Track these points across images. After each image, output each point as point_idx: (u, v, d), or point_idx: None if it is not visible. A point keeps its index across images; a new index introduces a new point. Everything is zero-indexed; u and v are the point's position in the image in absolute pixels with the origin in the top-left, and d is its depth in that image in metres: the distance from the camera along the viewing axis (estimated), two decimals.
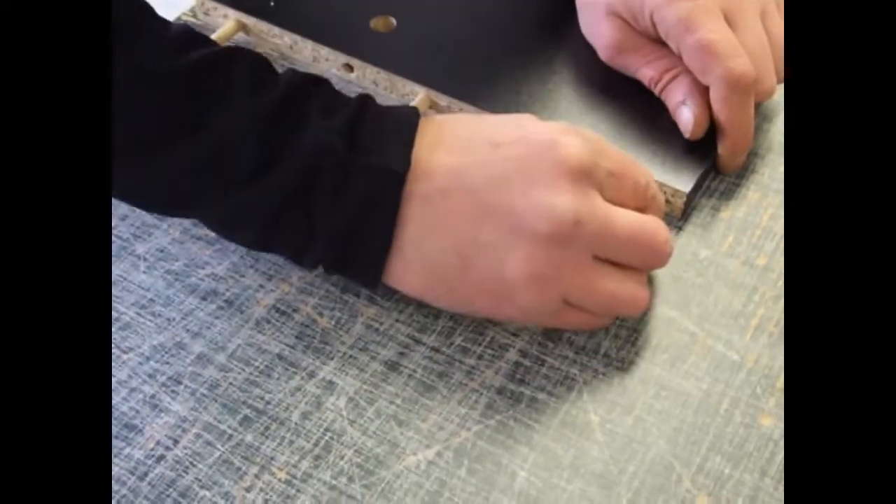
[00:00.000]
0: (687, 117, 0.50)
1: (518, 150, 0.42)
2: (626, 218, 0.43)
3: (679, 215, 0.50)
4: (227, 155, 0.42)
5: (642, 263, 0.44)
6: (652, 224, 0.43)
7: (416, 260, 0.43)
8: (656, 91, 0.52)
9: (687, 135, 0.51)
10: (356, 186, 0.42)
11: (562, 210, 0.41)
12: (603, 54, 0.55)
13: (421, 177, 0.42)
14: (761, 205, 0.51)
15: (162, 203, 0.45)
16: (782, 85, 0.53)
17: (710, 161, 0.51)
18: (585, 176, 0.42)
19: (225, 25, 0.59)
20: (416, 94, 0.55)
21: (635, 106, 0.53)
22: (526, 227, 0.41)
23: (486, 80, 0.55)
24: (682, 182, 0.50)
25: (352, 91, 0.45)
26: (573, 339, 0.45)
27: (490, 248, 0.42)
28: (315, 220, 0.42)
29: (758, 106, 0.53)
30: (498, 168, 0.42)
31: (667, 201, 0.50)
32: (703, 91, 0.50)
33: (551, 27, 0.59)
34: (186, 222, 0.50)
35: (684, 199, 0.49)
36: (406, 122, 0.44)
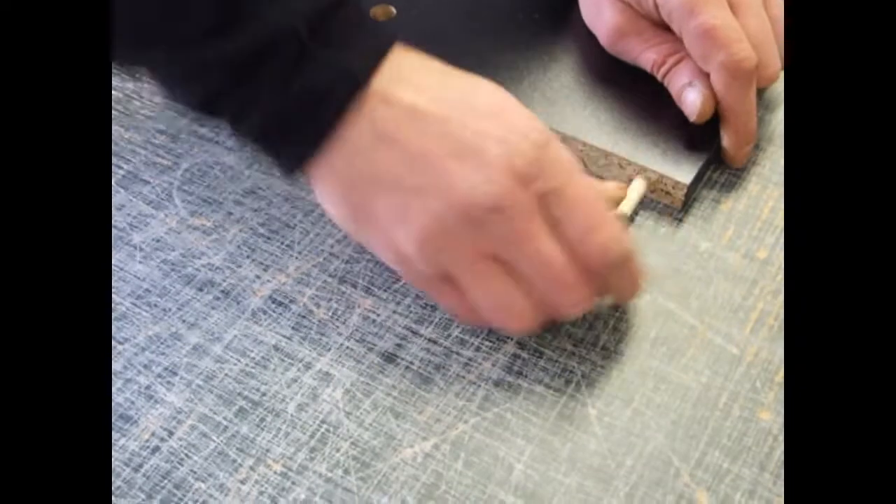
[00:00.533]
0: (693, 99, 0.50)
1: (484, 125, 0.41)
2: (547, 246, 0.41)
3: (679, 207, 0.50)
4: (185, 6, 0.40)
5: (541, 293, 0.42)
6: (570, 271, 0.41)
7: (339, 170, 0.42)
8: (659, 75, 0.52)
9: (693, 117, 0.50)
10: (307, 77, 0.40)
11: (485, 191, 0.40)
12: (604, 40, 0.54)
13: (378, 96, 0.41)
14: (762, 197, 0.50)
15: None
16: (783, 77, 0.53)
17: (712, 152, 0.51)
18: (527, 181, 0.40)
19: None
20: None
21: (636, 96, 0.53)
22: (447, 191, 0.40)
23: (487, 69, 0.54)
24: (683, 173, 0.49)
25: None
26: (572, 332, 0.45)
27: (408, 192, 0.41)
28: (258, 98, 0.41)
29: (761, 94, 0.52)
30: (456, 129, 0.41)
31: (667, 193, 0.49)
32: (709, 74, 0.50)
33: (552, 15, 0.58)
34: (183, 212, 0.50)
35: (685, 190, 0.49)
36: (384, 37, 0.42)
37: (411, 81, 0.42)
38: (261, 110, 0.41)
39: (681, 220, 0.49)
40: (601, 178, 0.51)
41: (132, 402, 0.43)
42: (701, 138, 0.51)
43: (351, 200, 0.42)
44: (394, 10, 0.58)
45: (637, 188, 0.49)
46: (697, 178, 0.50)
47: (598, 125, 0.51)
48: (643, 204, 0.50)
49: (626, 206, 0.49)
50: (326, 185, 0.43)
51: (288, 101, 0.41)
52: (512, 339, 0.45)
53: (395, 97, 0.41)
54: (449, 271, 0.42)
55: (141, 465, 0.41)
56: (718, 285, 0.47)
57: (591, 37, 0.55)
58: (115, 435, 0.42)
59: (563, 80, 0.54)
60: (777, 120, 0.54)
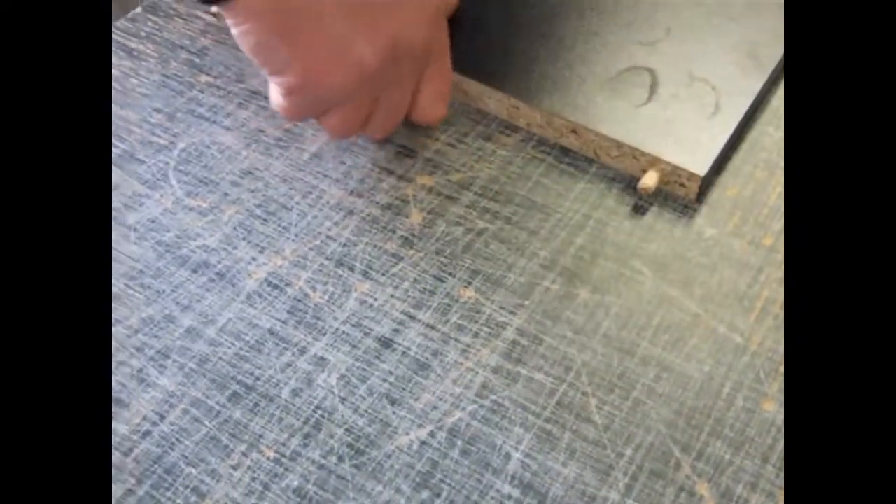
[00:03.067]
0: None
1: None
2: (409, 96, 0.49)
3: (694, 198, 0.48)
4: None
5: (373, 124, 0.49)
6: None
7: None
8: None
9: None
10: None
11: (419, 36, 0.45)
12: None
13: None
14: (769, 183, 0.49)
15: None
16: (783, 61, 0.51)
17: (729, 140, 0.49)
18: (437, 32, 0.47)
19: None
20: None
21: (649, 84, 0.52)
22: (390, 29, 0.43)
23: (497, 58, 0.53)
24: (698, 164, 0.48)
25: None
26: (572, 319, 0.44)
27: (355, 26, 0.42)
28: None
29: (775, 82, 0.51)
30: None
31: (681, 185, 0.48)
32: None
33: (563, 4, 0.57)
34: (179, 192, 0.49)
35: (699, 182, 0.47)
36: None
37: None
38: None
39: (686, 206, 0.48)
40: (614, 169, 0.50)
41: (124, 386, 0.42)
42: (717, 125, 0.49)
43: (283, 25, 0.42)
44: None
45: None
46: (713, 169, 0.48)
47: (611, 114, 0.50)
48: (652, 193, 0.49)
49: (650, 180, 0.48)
50: (256, 8, 0.41)
51: None
52: (511, 326, 0.44)
53: None
54: (346, 102, 0.45)
55: (131, 450, 0.40)
56: (723, 273, 0.46)
57: (603, 25, 0.54)
58: None
59: (575, 68, 0.53)
60: (783, 104, 0.53)
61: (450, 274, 0.46)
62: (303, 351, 0.43)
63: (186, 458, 0.40)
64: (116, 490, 0.39)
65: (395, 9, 0.44)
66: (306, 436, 0.40)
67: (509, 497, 0.39)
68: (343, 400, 0.41)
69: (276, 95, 0.45)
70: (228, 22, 0.42)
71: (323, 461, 0.40)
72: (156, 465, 0.40)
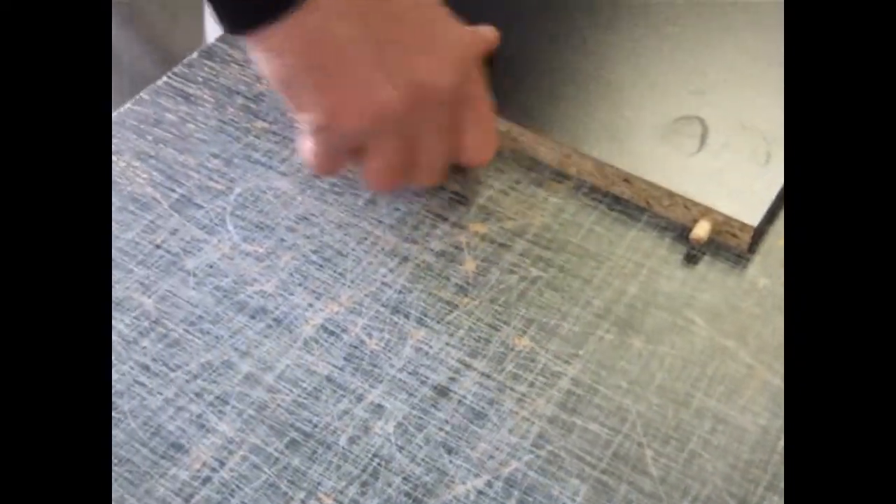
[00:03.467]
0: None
1: (439, 16, 0.46)
2: (448, 141, 0.48)
3: (746, 248, 0.48)
4: None
5: (413, 172, 0.49)
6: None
7: (309, 29, 0.42)
8: None
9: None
10: None
11: (443, 81, 0.45)
12: None
13: None
14: None
15: None
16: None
17: (781, 190, 0.49)
18: (467, 78, 0.47)
19: None
20: None
21: (701, 131, 0.52)
22: (413, 74, 0.44)
23: (548, 106, 0.54)
24: (750, 214, 0.48)
25: None
26: (627, 369, 0.44)
27: (379, 66, 0.43)
28: None
29: None
30: (423, 15, 0.45)
31: (733, 235, 0.48)
32: None
33: (613, 51, 0.57)
34: (236, 238, 0.50)
35: (751, 233, 0.48)
36: None
37: None
38: None
39: (738, 256, 0.49)
40: (665, 218, 0.50)
41: (183, 431, 0.42)
42: (769, 176, 0.49)
43: (311, 62, 0.43)
44: None
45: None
46: (765, 219, 0.48)
47: (662, 164, 0.50)
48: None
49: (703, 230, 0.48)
50: (286, 44, 0.43)
51: None
52: (566, 376, 0.44)
53: None
54: (380, 141, 0.46)
55: (192, 496, 0.41)
56: (776, 323, 0.46)
57: (651, 71, 0.55)
58: (166, 464, 0.42)
59: (626, 117, 0.53)
60: None
61: (504, 322, 0.46)
62: (360, 398, 0.43)
63: None
64: None
65: (420, 53, 0.44)
66: (364, 484, 0.41)
67: None
68: (400, 448, 0.42)
69: (305, 143, 0.47)
70: (257, 55, 0.44)
71: None
72: None
